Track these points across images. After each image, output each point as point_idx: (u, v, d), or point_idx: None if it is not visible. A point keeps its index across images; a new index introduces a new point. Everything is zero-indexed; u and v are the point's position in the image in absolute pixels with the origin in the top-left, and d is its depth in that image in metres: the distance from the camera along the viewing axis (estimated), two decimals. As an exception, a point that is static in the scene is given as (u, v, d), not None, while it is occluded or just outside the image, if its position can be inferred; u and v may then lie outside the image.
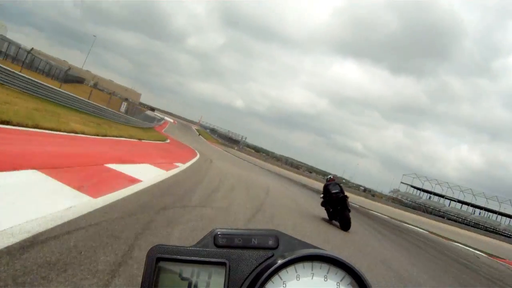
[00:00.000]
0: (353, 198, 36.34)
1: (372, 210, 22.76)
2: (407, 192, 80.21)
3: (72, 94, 16.25)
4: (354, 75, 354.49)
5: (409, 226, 19.53)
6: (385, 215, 21.87)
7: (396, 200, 75.73)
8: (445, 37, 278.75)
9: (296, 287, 0.35)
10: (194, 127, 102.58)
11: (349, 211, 7.50)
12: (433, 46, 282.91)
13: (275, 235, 0.40)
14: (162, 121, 66.74)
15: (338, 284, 0.35)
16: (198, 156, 16.83)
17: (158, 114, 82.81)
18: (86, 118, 13.04)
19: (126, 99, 64.95)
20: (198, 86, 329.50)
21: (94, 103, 18.33)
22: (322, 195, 8.38)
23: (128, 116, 23.90)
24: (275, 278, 0.35)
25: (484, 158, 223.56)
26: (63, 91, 15.34)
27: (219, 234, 0.39)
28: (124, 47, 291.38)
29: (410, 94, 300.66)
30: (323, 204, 8.29)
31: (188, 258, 0.37)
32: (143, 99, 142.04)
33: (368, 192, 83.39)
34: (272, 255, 0.38)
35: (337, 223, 7.66)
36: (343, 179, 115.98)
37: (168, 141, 21.65)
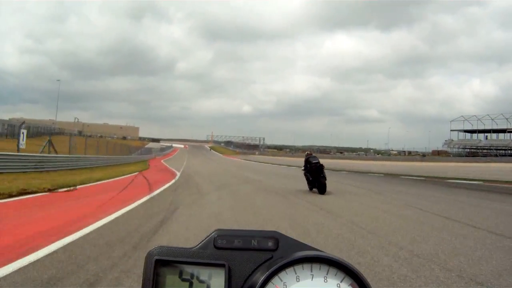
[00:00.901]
0: (400, 165, 27.14)
1: (402, 175, 16.93)
2: (462, 140, 68.98)
3: None
4: (348, 45, 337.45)
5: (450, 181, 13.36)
6: (422, 177, 15.98)
7: (442, 153, 65.23)
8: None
9: None
10: (207, 145, 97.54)
11: (325, 178, 8.73)
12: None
13: (274, 236, 0.39)
14: (170, 150, 65.64)
15: (338, 285, 0.34)
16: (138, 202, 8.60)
17: (165, 144, 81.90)
18: None
19: (124, 137, 58.09)
20: (203, 104, 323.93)
21: None
22: (303, 167, 9.56)
23: (78, 156, 16.14)
24: (275, 279, 0.34)
25: (498, 86, 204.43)
26: None
27: (219, 235, 0.38)
28: (120, 92, 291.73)
29: (406, 46, 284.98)
30: (305, 174, 9.47)
31: (187, 259, 0.36)
32: (153, 134, 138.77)
33: (408, 154, 73.32)
34: (272, 257, 0.37)
35: (316, 190, 8.77)
36: (371, 149, 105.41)
37: (135, 173, 14.45)
